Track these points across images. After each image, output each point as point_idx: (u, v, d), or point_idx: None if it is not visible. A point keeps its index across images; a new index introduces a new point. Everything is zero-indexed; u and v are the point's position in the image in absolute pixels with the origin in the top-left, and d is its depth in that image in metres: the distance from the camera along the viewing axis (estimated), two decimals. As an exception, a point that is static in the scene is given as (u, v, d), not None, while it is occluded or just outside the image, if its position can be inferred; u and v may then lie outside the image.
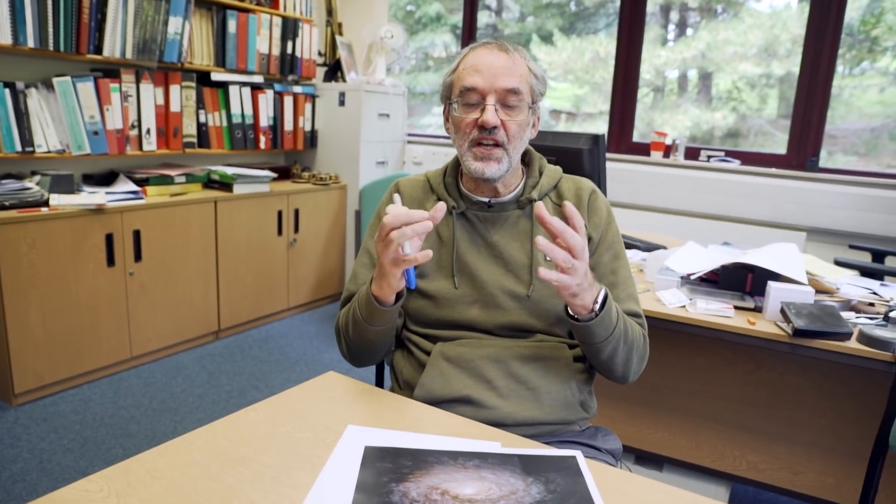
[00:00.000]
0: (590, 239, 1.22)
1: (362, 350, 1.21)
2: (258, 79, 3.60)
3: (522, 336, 1.21)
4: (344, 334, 1.23)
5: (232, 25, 3.39)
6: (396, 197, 1.09)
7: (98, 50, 2.80)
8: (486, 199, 1.23)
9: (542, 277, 0.99)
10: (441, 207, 1.00)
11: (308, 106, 3.92)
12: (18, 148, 2.59)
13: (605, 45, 3.93)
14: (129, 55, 2.90)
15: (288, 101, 3.79)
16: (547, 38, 4.16)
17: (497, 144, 1.15)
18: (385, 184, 1.90)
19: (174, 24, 3.05)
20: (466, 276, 1.21)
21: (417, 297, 1.24)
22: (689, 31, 3.79)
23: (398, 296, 1.11)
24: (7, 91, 2.54)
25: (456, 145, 1.21)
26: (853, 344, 1.48)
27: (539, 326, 1.20)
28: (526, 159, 1.29)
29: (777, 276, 1.68)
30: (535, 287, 1.19)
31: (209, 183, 3.35)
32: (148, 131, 3.08)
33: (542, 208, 0.99)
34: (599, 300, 1.07)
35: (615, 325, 1.11)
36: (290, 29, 3.72)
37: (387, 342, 1.22)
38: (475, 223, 1.24)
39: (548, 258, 1.20)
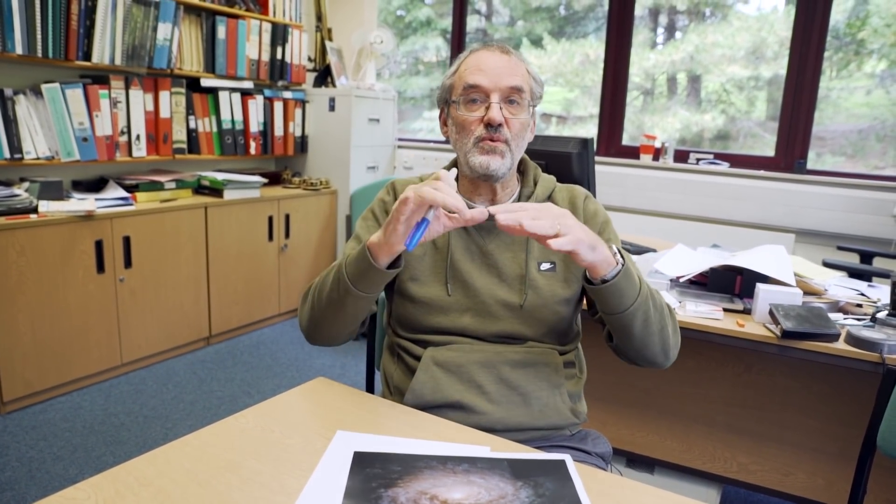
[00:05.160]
0: None
1: (324, 320, 1.17)
2: (248, 84, 3.60)
3: (514, 343, 1.21)
4: (313, 296, 1.18)
5: (221, 31, 3.39)
6: (453, 171, 1.07)
7: (87, 56, 2.79)
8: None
9: (556, 248, 0.95)
10: (482, 211, 1.00)
11: (298, 111, 3.92)
12: (7, 155, 2.58)
13: (594, 48, 3.95)
14: (118, 61, 2.89)
15: (278, 107, 3.78)
16: (537, 42, 4.18)
17: (501, 140, 1.16)
18: (375, 188, 1.90)
19: (163, 30, 3.04)
20: (460, 283, 1.21)
21: (409, 303, 1.23)
22: (678, 34, 3.82)
23: (391, 266, 1.08)
24: (-5, 98, 2.53)
25: (458, 145, 1.20)
26: (841, 345, 1.49)
27: (531, 335, 1.20)
28: (521, 168, 1.30)
29: (765, 278, 1.69)
30: (528, 297, 1.19)
31: (199, 189, 3.34)
32: (137, 137, 3.07)
33: (501, 219, 0.96)
34: (615, 250, 1.07)
35: (640, 281, 1.10)
36: (279, 35, 3.72)
37: (353, 321, 1.17)
38: (470, 231, 1.24)
39: (542, 267, 1.21)
